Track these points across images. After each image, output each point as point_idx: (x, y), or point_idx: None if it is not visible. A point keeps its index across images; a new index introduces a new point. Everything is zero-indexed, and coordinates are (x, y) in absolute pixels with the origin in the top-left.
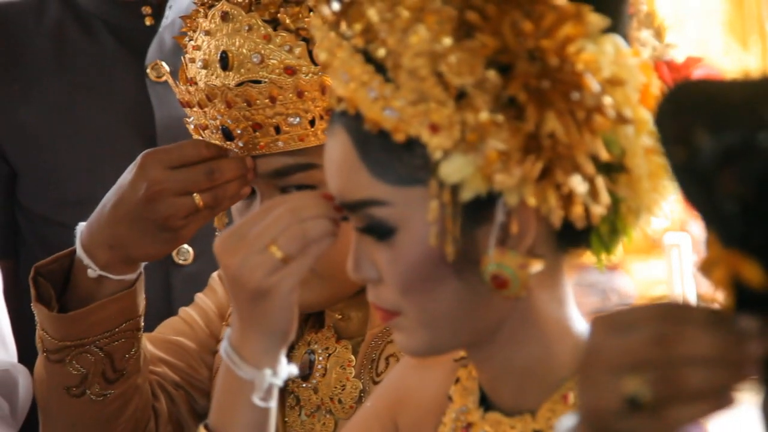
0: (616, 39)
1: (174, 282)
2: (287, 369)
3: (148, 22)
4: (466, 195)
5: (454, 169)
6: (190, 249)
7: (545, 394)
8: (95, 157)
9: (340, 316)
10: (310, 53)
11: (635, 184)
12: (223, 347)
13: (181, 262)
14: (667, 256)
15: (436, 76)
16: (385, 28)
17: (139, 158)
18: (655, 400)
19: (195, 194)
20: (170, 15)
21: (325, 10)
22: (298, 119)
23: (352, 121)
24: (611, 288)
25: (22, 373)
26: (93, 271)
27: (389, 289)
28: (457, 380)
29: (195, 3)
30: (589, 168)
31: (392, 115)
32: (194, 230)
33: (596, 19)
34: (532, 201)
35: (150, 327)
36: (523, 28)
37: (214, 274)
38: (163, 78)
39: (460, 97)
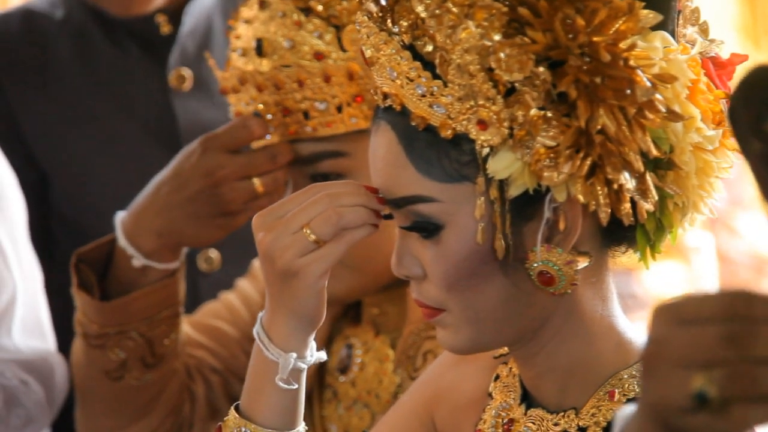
0: (665, 35)
1: (201, 290)
2: (316, 355)
3: (165, 30)
4: (514, 191)
5: (503, 165)
6: (216, 254)
7: (589, 391)
8: (121, 166)
9: (377, 311)
10: (339, 40)
11: (683, 181)
12: (256, 328)
13: (205, 268)
14: (689, 259)
15: (486, 73)
16: (433, 24)
17: (197, 145)
18: (723, 399)
19: (255, 179)
20: (188, 21)
21: (372, 7)
22: (325, 104)
23: (398, 118)
24: (628, 292)
25: (59, 364)
26: (138, 260)
27: (434, 286)
28: (497, 377)
29: None
30: (639, 165)
31: (440, 112)
32: (249, 217)
33: (648, 15)
34: (581, 197)
35: None
36: (575, 24)
37: (255, 262)
38: (185, 85)
39: (509, 93)
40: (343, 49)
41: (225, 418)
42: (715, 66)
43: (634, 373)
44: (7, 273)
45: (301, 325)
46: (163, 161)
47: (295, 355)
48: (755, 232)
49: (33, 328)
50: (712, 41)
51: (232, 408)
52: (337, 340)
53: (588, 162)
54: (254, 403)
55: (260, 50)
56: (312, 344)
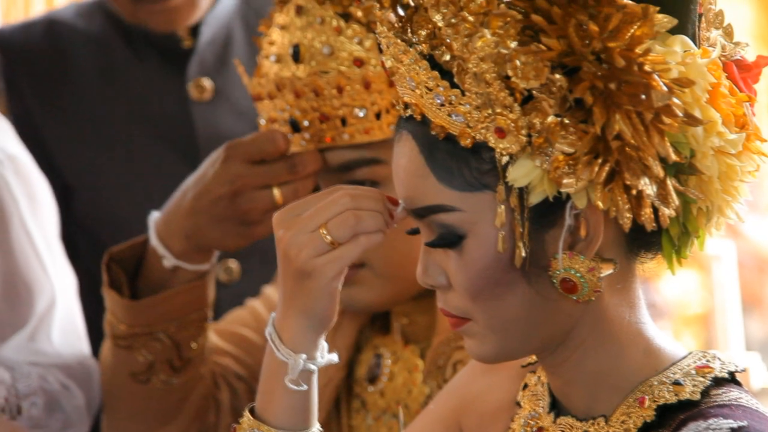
0: (684, 39)
1: (221, 301)
2: (327, 357)
3: (186, 43)
4: (534, 199)
5: (522, 173)
6: (236, 265)
7: (618, 398)
8: (138, 178)
9: (407, 321)
10: (379, 46)
11: (706, 186)
12: (267, 328)
13: (225, 278)
14: (709, 267)
15: (502, 80)
16: (450, 33)
17: (221, 151)
18: None
19: (275, 190)
20: (206, 32)
21: (391, 17)
22: (364, 111)
23: (419, 127)
24: (647, 301)
25: (95, 369)
26: (169, 261)
27: (458, 296)
28: (525, 386)
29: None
30: (658, 170)
31: (459, 120)
32: (270, 228)
33: (663, 20)
34: (600, 204)
35: None
36: (589, 30)
37: None
38: (206, 95)
39: (526, 100)
40: None
41: (240, 420)
42: (740, 69)
43: (664, 380)
44: (45, 277)
45: (312, 326)
46: (181, 171)
47: (304, 356)
48: (758, 233)
49: (70, 332)
50: (736, 44)
51: (247, 409)
52: (366, 349)
53: (606, 168)
54: (266, 404)
55: (297, 56)
56: (323, 346)
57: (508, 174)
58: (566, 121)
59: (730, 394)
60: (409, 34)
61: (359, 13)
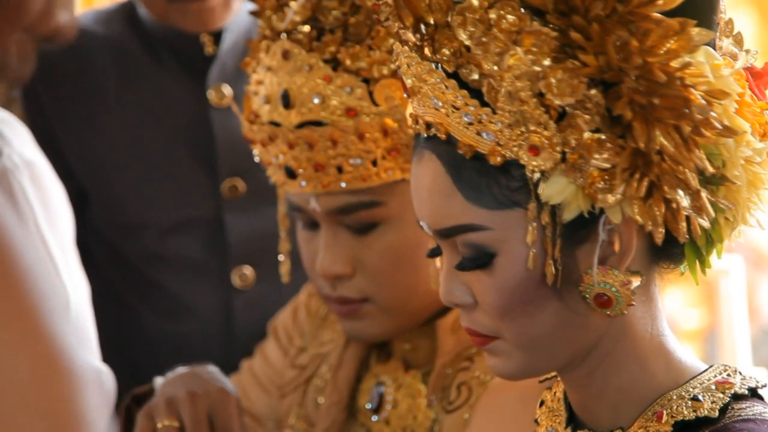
0: (709, 50)
1: (235, 306)
2: None
3: (209, 50)
4: (568, 215)
5: (556, 190)
6: (250, 271)
7: (637, 412)
8: (155, 183)
9: (409, 347)
10: (370, 94)
11: (734, 195)
12: None
13: (239, 284)
14: (717, 282)
15: (537, 98)
16: (479, 51)
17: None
18: None
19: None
20: (228, 38)
21: (411, 36)
22: (359, 161)
23: (444, 147)
24: None
25: (107, 376)
26: None
27: (486, 314)
28: (542, 403)
29: (259, 34)
30: (695, 183)
31: (489, 139)
32: None
33: (699, 33)
34: (638, 218)
35: (210, 353)
36: (629, 46)
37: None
38: (225, 101)
39: (561, 117)
40: (375, 104)
41: None
42: (753, 76)
43: (683, 394)
44: (59, 282)
45: None
46: (198, 177)
47: None
48: (756, 230)
49: (83, 340)
50: (746, 52)
51: None
52: (367, 378)
53: (645, 183)
54: None
55: (287, 102)
56: None
57: (541, 191)
58: (603, 137)
59: (755, 408)
60: (430, 53)
61: (347, 61)
